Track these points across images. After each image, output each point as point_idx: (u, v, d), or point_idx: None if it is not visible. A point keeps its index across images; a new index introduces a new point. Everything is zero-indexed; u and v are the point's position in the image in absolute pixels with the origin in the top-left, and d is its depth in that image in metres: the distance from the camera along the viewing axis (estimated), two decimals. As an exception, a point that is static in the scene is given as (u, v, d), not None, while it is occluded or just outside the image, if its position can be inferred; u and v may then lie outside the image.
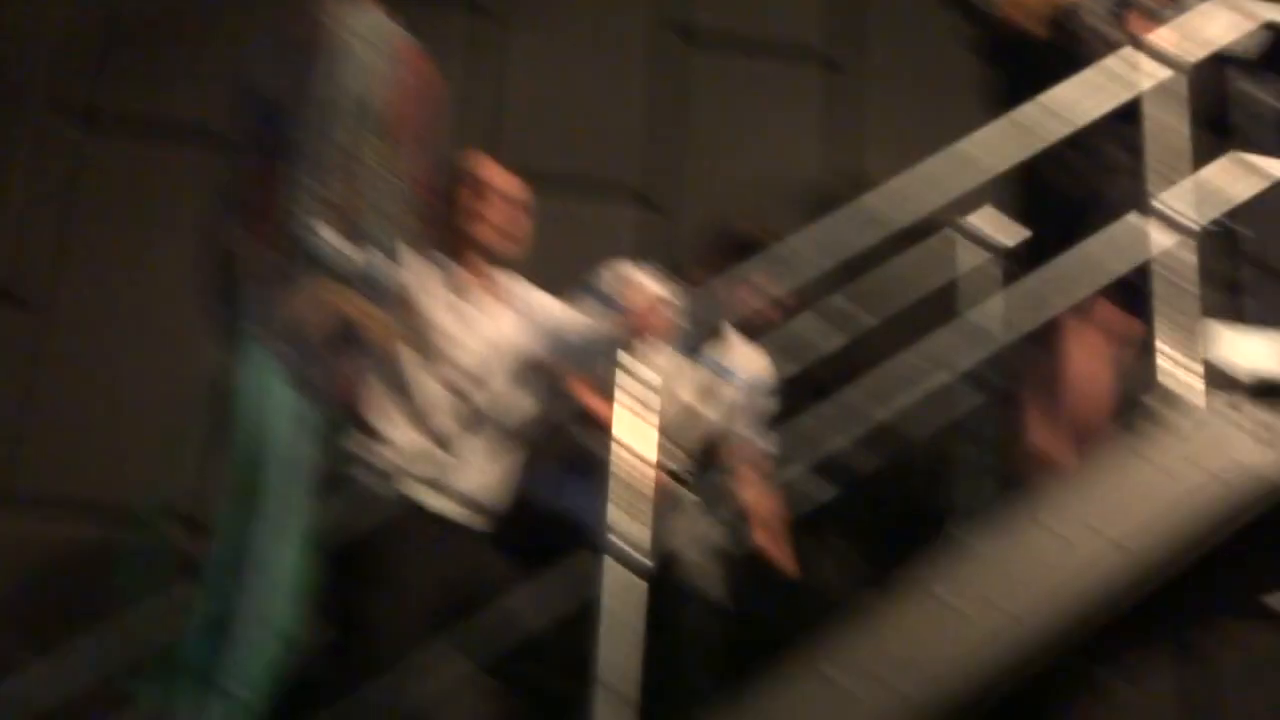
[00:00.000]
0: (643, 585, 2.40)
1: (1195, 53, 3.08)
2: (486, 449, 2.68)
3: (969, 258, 3.75)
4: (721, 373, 3.25)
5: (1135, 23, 3.25)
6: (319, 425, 2.16)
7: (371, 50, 2.20)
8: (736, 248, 3.26)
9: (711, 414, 3.22)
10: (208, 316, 2.28)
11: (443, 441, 2.63)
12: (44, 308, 3.74)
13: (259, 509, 2.04)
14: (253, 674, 2.08)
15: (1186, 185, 2.98)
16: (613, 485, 2.44)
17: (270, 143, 2.16)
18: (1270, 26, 3.22)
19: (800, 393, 3.39)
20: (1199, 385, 2.76)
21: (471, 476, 2.65)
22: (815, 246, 2.92)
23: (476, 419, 2.69)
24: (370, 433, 2.58)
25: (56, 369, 3.68)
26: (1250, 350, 2.89)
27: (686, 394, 3.16)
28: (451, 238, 2.79)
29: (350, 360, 2.23)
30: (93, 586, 3.25)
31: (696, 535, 3.01)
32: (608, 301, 2.98)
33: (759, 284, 3.23)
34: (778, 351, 3.64)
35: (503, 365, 2.76)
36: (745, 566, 3.17)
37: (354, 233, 2.18)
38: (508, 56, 4.22)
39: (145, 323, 3.71)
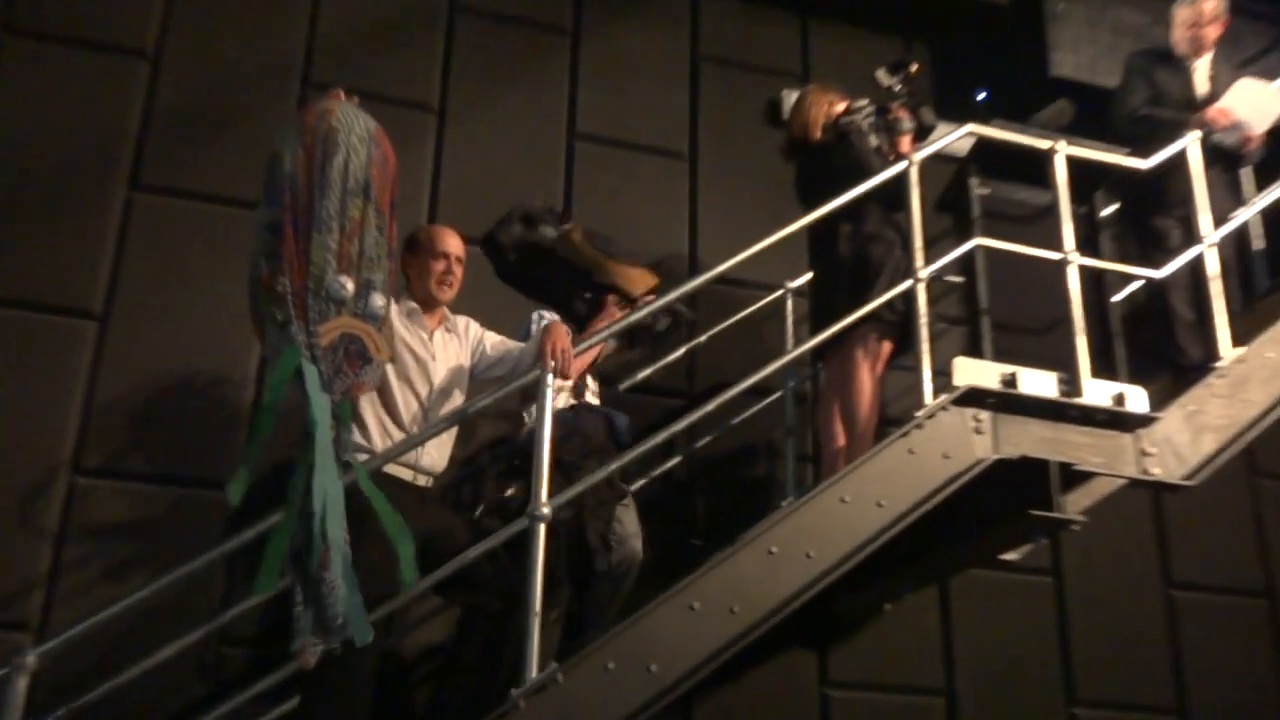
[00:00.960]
0: (542, 529, 3.18)
1: (922, 151, 4.06)
2: (440, 437, 3.57)
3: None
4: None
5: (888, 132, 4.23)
6: (339, 415, 2.65)
7: (364, 138, 2.68)
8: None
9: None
10: (253, 335, 2.79)
11: (410, 433, 3.50)
12: (116, 323, 4.45)
13: (311, 469, 2.53)
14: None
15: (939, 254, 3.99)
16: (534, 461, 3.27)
17: (295, 209, 2.62)
18: (972, 134, 4.22)
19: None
20: (938, 396, 3.72)
21: (428, 455, 3.54)
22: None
23: (436, 418, 3.55)
24: (361, 425, 3.42)
25: (121, 372, 4.38)
26: (974, 371, 3.80)
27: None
28: (421, 293, 3.63)
29: (359, 370, 2.69)
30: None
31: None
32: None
33: None
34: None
35: (457, 382, 3.66)
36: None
37: (359, 278, 2.66)
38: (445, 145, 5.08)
39: (196, 339, 4.49)
